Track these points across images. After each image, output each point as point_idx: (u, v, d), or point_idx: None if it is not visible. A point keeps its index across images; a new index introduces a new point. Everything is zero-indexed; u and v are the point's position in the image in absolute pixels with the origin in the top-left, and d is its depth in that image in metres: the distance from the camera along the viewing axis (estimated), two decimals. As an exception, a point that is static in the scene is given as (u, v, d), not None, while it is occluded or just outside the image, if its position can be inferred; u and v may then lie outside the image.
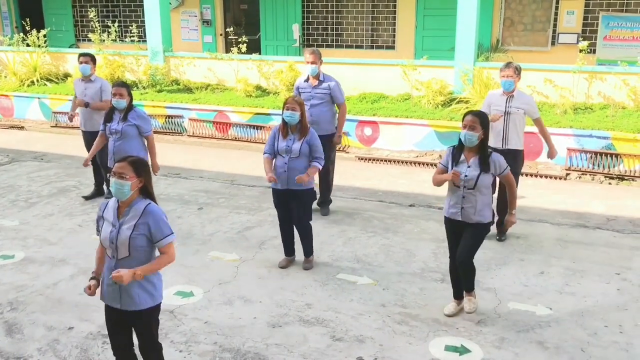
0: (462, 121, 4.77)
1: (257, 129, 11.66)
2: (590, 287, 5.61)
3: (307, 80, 7.47)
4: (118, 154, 6.60)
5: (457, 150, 4.87)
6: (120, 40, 14.24)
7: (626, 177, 9.21)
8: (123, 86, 6.79)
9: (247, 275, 5.89)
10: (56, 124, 13.41)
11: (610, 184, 9.16)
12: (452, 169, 4.82)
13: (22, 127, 13.52)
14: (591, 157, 9.44)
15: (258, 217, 7.49)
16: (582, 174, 9.44)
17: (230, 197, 8.22)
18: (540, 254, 6.33)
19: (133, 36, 13.81)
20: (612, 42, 12.12)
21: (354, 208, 7.84)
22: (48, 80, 14.44)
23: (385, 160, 10.48)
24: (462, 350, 4.58)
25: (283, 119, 5.76)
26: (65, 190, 8.61)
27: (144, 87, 13.19)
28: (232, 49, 12.60)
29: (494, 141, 6.49)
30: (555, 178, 9.30)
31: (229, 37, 15.45)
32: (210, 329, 4.89)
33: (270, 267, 6.05)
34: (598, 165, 9.38)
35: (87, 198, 8.17)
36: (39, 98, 13.71)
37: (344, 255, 6.39)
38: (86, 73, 8.09)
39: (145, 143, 7.06)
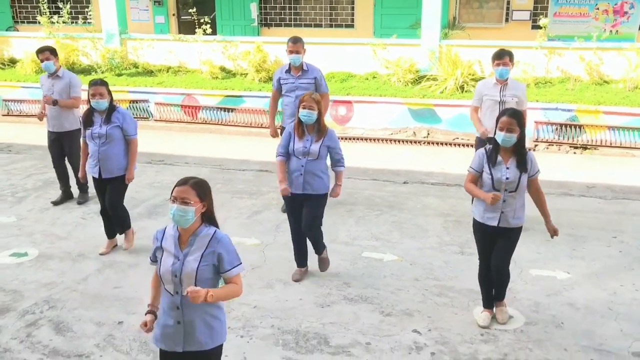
0: (498, 123, 4.52)
1: (228, 112, 11.61)
2: (594, 250, 6.14)
3: (288, 70, 7.06)
4: (104, 160, 5.94)
5: (493, 152, 4.59)
6: (73, 22, 13.67)
7: (589, 147, 9.93)
8: (102, 85, 5.88)
9: (276, 258, 6.02)
10: (8, 113, 12.81)
11: (575, 153, 9.85)
12: (489, 172, 4.57)
13: (-31, 117, 12.82)
14: (557, 128, 10.08)
15: (262, 201, 7.59)
16: (550, 145, 10.09)
17: (226, 183, 8.25)
18: (541, 222, 6.67)
19: (90, 18, 13.30)
20: (562, 18, 12.84)
21: (352, 187, 8.06)
22: (-8, 66, 13.69)
23: (361, 139, 10.75)
24: (505, 316, 4.95)
25: (299, 118, 5.31)
26: (50, 182, 8.33)
27: (102, 72, 12.76)
28: (196, 30, 12.40)
29: (491, 132, 6.43)
30: (526, 150, 9.88)
31: (182, 17, 15.18)
32: (262, 313, 5.02)
33: (296, 250, 6.20)
34: (564, 137, 10.04)
35: (55, 203, 7.55)
36: (-14, 86, 13.01)
37: (360, 234, 6.62)
38: (51, 70, 7.34)
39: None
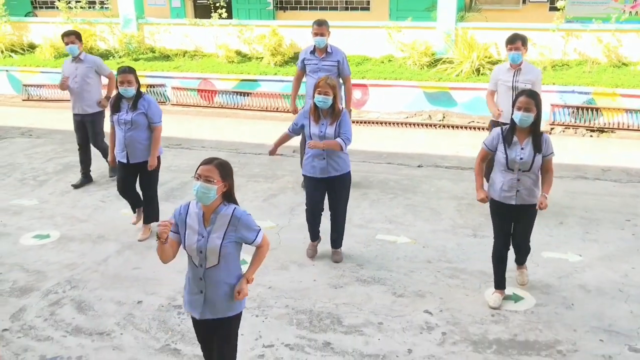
0: (516, 102, 4.56)
1: (243, 96, 11.70)
2: (607, 233, 6.16)
3: (313, 52, 7.21)
4: (130, 146, 6.07)
5: (509, 132, 4.67)
6: (90, 7, 13.80)
7: (606, 130, 9.87)
8: (130, 72, 5.99)
9: (291, 240, 6.13)
10: (28, 98, 13.02)
11: (591, 136, 9.80)
12: (504, 151, 4.67)
13: (-10, 102, 13.06)
14: (573, 111, 10.02)
15: (278, 185, 7.68)
16: (566, 128, 10.05)
17: (242, 166, 8.36)
18: (554, 205, 6.79)
19: (107, 3, 13.42)
20: (580, -1, 12.66)
21: (367, 171, 8.13)
22: (12, 51, 13.89)
23: (377, 122, 10.78)
24: (516, 298, 5.01)
25: (314, 103, 5.38)
26: (70, 166, 8.51)
27: (119, 57, 12.91)
28: (212, 14, 12.47)
29: (503, 117, 6.41)
30: (541, 133, 9.85)
31: (197, 1, 15.23)
32: (277, 294, 5.14)
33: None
34: (580, 120, 9.99)
35: (76, 187, 7.73)
36: (7, 70, 13.22)
37: (374, 216, 6.70)
38: (75, 53, 7.55)
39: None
